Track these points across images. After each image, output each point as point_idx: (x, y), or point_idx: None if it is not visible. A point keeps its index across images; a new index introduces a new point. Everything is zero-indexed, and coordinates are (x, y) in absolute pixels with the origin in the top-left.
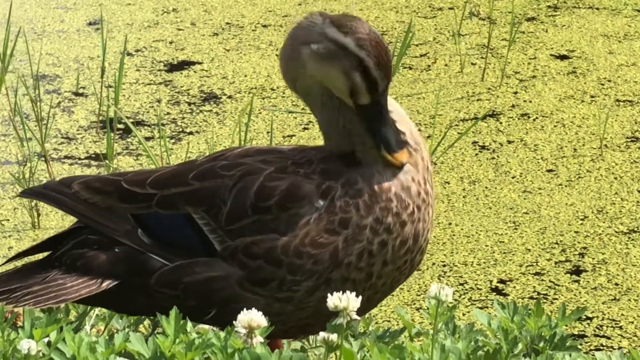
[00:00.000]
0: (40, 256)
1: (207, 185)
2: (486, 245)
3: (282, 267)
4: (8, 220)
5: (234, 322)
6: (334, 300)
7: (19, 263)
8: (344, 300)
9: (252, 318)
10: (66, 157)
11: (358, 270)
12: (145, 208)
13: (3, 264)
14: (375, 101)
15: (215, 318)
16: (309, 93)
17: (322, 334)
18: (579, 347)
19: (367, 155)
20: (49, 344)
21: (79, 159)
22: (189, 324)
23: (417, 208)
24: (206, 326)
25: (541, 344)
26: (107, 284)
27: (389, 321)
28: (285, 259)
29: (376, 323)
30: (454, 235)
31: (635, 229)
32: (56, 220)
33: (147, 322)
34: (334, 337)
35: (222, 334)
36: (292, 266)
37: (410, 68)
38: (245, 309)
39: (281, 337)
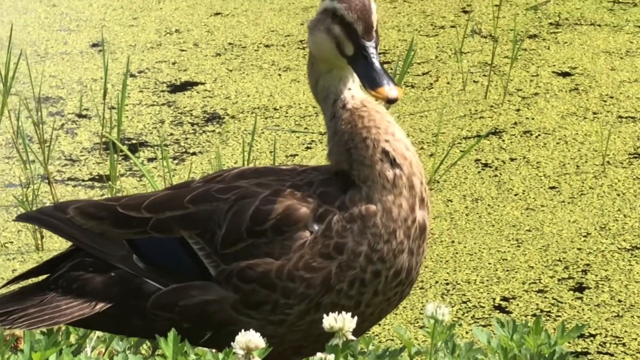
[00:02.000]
0: (40, 278)
1: (202, 208)
2: (489, 263)
3: (276, 291)
4: (12, 242)
5: (231, 343)
6: (330, 321)
7: (19, 285)
8: (340, 321)
9: (250, 339)
10: (69, 179)
11: (348, 298)
12: (140, 233)
13: (3, 286)
14: (358, 46)
15: (210, 340)
16: (326, 96)
17: (319, 355)
18: None
19: (361, 175)
20: None
21: (83, 180)
22: (188, 346)
23: (405, 236)
24: (205, 348)
25: None
26: (100, 306)
27: (391, 340)
28: (279, 283)
29: (378, 342)
30: (456, 253)
31: (638, 246)
32: (60, 243)
33: (147, 343)
34: (331, 357)
35: (221, 356)
36: (285, 290)
37: (413, 86)
38: (240, 331)
39: (277, 359)
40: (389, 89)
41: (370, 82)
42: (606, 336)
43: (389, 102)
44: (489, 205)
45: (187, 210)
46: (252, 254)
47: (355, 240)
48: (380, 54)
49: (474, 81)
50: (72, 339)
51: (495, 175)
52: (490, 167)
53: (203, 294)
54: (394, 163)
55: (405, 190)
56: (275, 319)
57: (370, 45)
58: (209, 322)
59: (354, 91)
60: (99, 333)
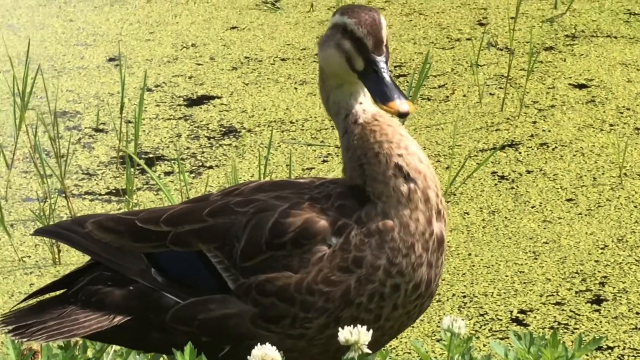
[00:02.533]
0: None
1: (220, 222)
2: (506, 276)
3: (295, 305)
4: (29, 256)
5: (248, 357)
6: (345, 334)
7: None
8: (355, 334)
9: (266, 353)
10: (87, 193)
11: (367, 312)
12: (158, 247)
13: (22, 301)
14: (369, 61)
15: (229, 354)
16: (337, 112)
17: None
18: None
19: (375, 191)
20: None
21: (100, 194)
22: (204, 359)
23: (423, 249)
24: None
25: None
26: (119, 319)
27: (409, 353)
28: (298, 296)
29: (396, 355)
30: (473, 265)
31: None
32: (77, 257)
33: (164, 357)
34: None
35: None
36: (304, 303)
37: (429, 99)
38: (258, 344)
39: None
40: (400, 103)
41: (381, 96)
42: (624, 348)
43: (401, 116)
44: (505, 217)
45: (205, 224)
46: (271, 267)
47: (373, 254)
48: (395, 66)
49: (490, 94)
50: (90, 353)
51: (512, 188)
52: (507, 179)
53: (222, 307)
54: (408, 177)
55: (421, 204)
56: (295, 333)
57: (380, 59)
58: (228, 336)
59: (365, 105)
60: (116, 347)
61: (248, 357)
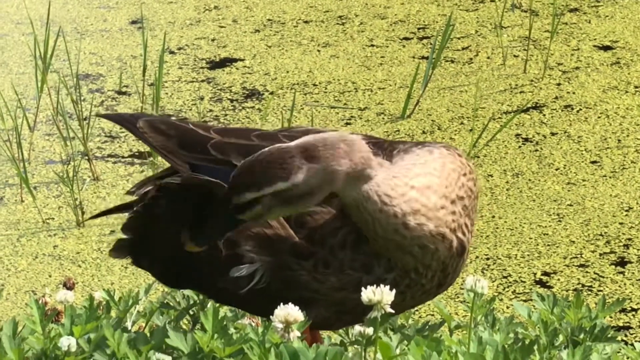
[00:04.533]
0: None
1: (265, 145)
2: (530, 238)
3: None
4: (53, 218)
5: (271, 317)
6: (368, 294)
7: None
8: (378, 294)
9: (288, 312)
10: (109, 155)
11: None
12: (201, 160)
13: (91, 218)
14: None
15: (263, 290)
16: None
17: (357, 328)
18: (624, 338)
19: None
20: (89, 340)
21: (122, 157)
22: (227, 319)
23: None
24: (245, 321)
25: (581, 336)
26: None
27: (432, 315)
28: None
29: (418, 316)
30: (497, 228)
31: None
32: (100, 219)
33: (187, 318)
34: (370, 330)
35: (260, 329)
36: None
37: (452, 61)
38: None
39: (320, 325)
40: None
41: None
42: None
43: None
44: (529, 180)
45: (250, 142)
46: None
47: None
48: (419, 28)
49: (514, 55)
50: (113, 313)
51: (536, 150)
52: (531, 141)
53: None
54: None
55: (440, 248)
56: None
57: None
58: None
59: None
60: (139, 307)
61: (271, 317)
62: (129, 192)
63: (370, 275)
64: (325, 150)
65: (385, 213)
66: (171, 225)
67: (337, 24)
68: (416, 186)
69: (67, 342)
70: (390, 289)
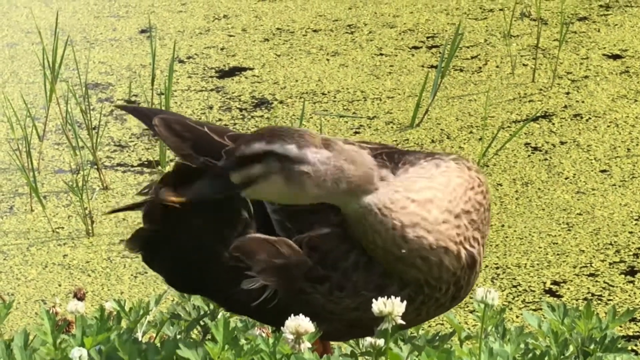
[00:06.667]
0: None
1: None
2: (539, 247)
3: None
4: (62, 228)
5: (282, 328)
6: (379, 305)
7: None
8: (389, 306)
9: (299, 324)
10: (119, 164)
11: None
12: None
13: (110, 213)
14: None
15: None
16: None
17: (368, 339)
18: (634, 347)
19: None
20: (100, 351)
21: (132, 166)
22: (238, 330)
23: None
24: (255, 332)
25: (592, 346)
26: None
27: (441, 324)
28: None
29: (428, 326)
30: (506, 237)
31: None
32: (110, 228)
33: (198, 328)
34: (381, 342)
35: (271, 340)
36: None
37: (461, 70)
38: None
39: (332, 338)
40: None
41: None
42: None
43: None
44: (539, 189)
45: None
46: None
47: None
48: (428, 37)
49: (523, 64)
50: (124, 324)
51: (546, 159)
52: (540, 150)
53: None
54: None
55: (448, 261)
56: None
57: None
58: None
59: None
60: (150, 317)
61: (282, 328)
62: (140, 193)
63: (384, 294)
64: (341, 151)
65: (385, 225)
66: (193, 216)
67: (346, 32)
68: (417, 200)
69: (78, 353)
70: (407, 307)
